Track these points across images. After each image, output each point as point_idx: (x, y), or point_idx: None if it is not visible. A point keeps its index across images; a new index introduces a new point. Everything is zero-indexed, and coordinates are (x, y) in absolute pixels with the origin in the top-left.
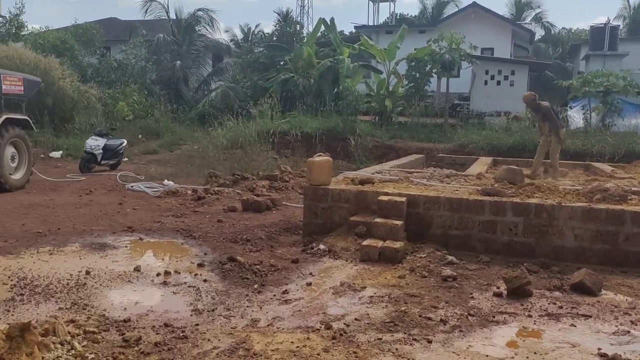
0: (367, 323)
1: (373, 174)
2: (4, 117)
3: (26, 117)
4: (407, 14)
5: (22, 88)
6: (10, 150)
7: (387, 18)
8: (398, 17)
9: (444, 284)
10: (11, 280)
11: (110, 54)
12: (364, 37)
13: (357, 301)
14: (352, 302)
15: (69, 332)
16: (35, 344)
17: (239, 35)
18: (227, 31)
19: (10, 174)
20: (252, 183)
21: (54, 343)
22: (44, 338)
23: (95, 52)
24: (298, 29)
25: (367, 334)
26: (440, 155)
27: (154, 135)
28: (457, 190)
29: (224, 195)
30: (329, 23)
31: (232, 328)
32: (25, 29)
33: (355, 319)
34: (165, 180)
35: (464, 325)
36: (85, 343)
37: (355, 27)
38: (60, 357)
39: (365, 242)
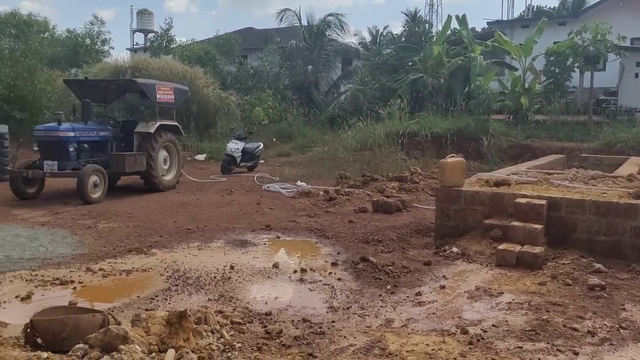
0: (506, 330)
1: (508, 175)
2: (158, 123)
3: (176, 123)
4: (545, 6)
5: (173, 97)
6: (163, 154)
7: (523, 11)
8: (535, 9)
9: (590, 294)
10: (167, 272)
11: (247, 62)
12: (499, 33)
13: (494, 307)
14: (489, 307)
15: (218, 322)
16: (190, 331)
17: (368, 38)
18: (355, 34)
19: (163, 176)
20: (382, 184)
21: (205, 331)
22: (197, 326)
23: (234, 60)
24: (427, 28)
25: (506, 341)
26: (584, 155)
27: (287, 138)
28: (604, 193)
29: (354, 196)
30: (460, 19)
31: (366, 327)
32: (174, 42)
33: (493, 325)
34: (299, 181)
35: (614, 338)
36: (232, 333)
37: (488, 23)
38: (212, 344)
39: (501, 246)
